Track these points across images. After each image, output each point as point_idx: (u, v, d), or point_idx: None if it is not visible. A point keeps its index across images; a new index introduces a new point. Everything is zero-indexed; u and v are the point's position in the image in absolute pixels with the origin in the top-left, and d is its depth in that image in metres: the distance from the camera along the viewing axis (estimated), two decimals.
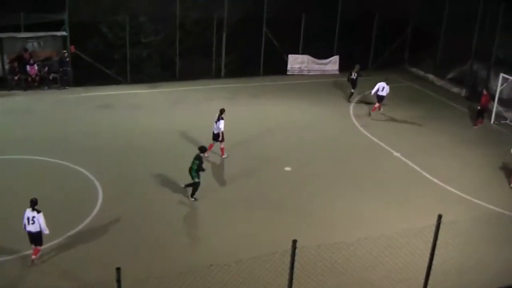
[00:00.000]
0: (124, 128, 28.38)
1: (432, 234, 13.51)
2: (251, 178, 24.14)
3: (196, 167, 21.43)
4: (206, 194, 22.19)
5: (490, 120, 32.60)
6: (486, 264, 18.63)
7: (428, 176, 25.45)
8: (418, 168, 26.12)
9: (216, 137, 25.35)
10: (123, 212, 20.65)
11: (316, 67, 39.88)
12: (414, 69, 41.20)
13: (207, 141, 25.13)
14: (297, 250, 11.57)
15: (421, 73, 40.65)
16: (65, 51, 33.16)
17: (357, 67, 34.54)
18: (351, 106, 33.71)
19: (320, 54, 39.79)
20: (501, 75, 32.57)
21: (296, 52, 39.30)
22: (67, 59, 33.18)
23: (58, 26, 33.23)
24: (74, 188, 22.26)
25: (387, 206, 22.45)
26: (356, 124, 30.88)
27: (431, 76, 40.02)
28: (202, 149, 22.09)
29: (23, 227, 17.10)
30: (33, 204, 16.98)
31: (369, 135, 29.29)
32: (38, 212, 16.90)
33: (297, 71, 39.44)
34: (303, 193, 23.08)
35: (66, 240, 18.67)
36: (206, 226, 20.25)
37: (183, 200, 21.78)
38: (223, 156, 25.72)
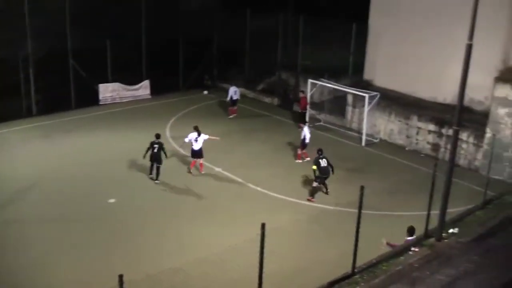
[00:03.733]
0: None
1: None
2: (74, 215, 23.16)
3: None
4: (23, 239, 21.10)
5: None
6: (321, 260, 19.37)
7: (252, 186, 26.10)
8: (240, 180, 26.69)
9: (196, 154, 27.36)
10: None
11: (128, 93, 39.42)
12: (224, 85, 41.62)
13: (25, 186, 23.85)
14: (125, 285, 11.17)
15: None
16: None
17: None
18: (168, 128, 33.62)
19: (130, 80, 39.45)
20: (309, 81, 34.28)
21: (106, 81, 38.56)
22: None
23: None
24: None
25: (215, 223, 22.59)
26: (174, 145, 30.80)
27: (242, 90, 40.98)
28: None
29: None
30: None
31: (187, 155, 29.10)
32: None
33: (109, 100, 38.70)
34: (130, 225, 22.54)
35: None
36: (33, 271, 19.10)
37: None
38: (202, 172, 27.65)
